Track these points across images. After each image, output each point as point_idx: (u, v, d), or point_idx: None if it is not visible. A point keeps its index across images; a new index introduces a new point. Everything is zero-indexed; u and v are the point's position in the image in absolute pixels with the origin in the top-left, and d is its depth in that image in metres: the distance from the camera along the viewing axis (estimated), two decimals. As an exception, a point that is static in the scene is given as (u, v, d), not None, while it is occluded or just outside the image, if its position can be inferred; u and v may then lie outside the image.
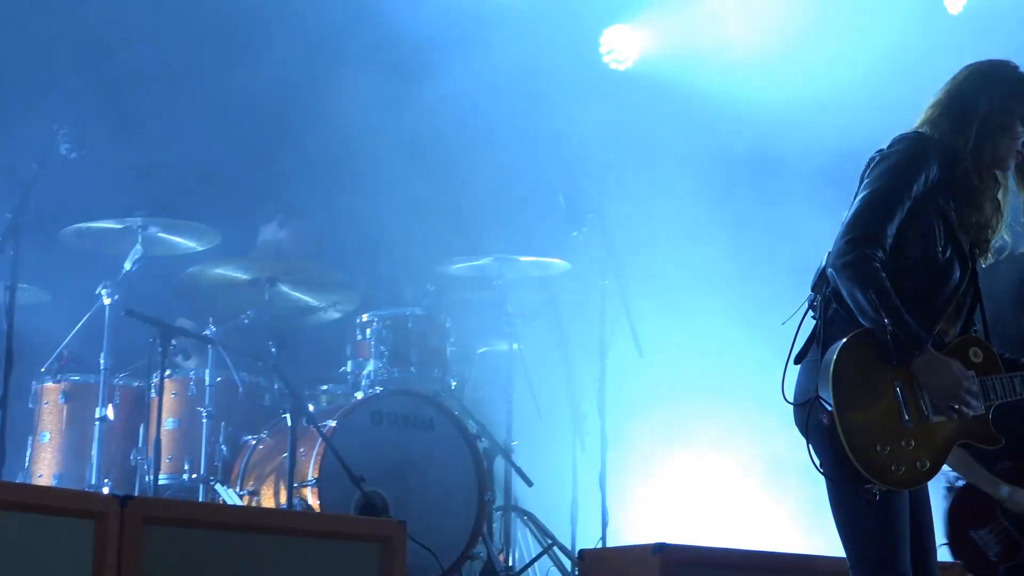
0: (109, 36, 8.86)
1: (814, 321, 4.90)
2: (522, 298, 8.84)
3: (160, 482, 7.40)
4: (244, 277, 8.24)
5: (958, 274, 4.86)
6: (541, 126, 9.48)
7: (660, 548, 6.45)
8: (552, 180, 9.14)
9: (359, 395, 7.95)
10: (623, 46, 10.42)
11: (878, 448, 4.59)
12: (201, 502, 7.52)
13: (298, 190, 9.11)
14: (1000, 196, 4.98)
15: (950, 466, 7.00)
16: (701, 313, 9.59)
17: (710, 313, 9.57)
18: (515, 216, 9.30)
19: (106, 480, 7.56)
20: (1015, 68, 5.01)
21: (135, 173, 8.60)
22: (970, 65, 5.06)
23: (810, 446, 4.75)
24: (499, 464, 8.36)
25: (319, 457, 7.38)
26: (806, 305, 4.93)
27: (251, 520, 5.98)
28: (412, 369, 8.15)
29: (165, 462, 7.61)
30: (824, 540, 8.82)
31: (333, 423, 7.50)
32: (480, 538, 7.79)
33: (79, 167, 7.60)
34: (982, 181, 4.91)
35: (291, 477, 7.26)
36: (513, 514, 8.39)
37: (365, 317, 8.26)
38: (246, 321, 8.15)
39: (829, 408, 4.59)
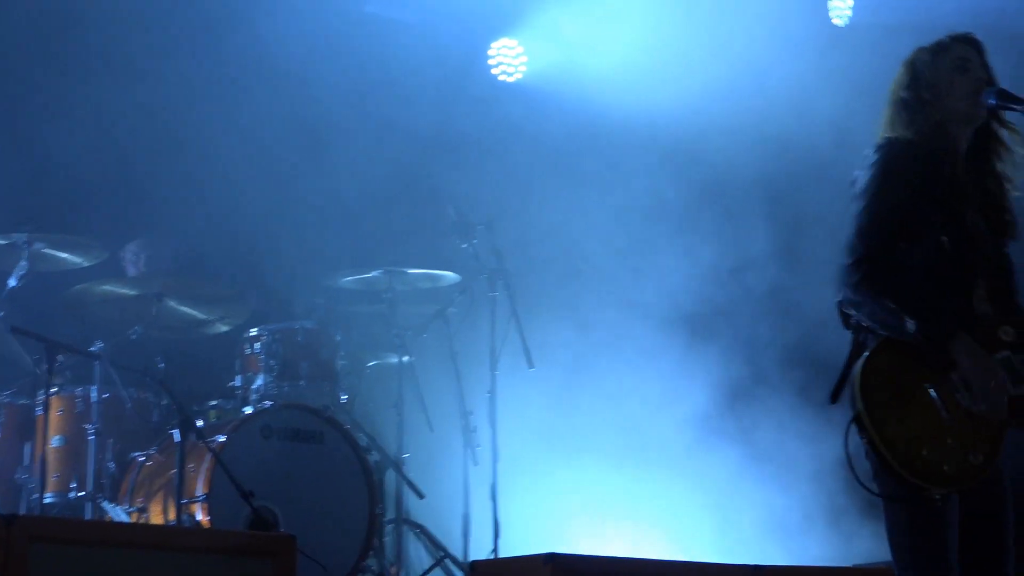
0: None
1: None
2: (411, 310, 8.85)
3: (46, 500, 7.29)
4: (131, 293, 8.17)
5: (972, 255, 4.87)
6: (430, 138, 9.47)
7: (551, 558, 6.44)
8: (441, 192, 9.14)
9: (248, 410, 7.90)
10: (511, 59, 10.44)
11: (924, 453, 4.57)
12: (88, 520, 7.45)
13: (185, 204, 9.02)
14: (998, 166, 5.02)
15: None
16: (591, 322, 9.64)
17: (601, 322, 9.62)
18: (404, 228, 9.30)
19: (-10, 499, 7.47)
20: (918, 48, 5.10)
21: (20, 188, 8.49)
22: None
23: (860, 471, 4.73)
24: (390, 477, 8.35)
25: (208, 472, 7.34)
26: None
27: (139, 537, 5.91)
28: (302, 383, 8.12)
29: (51, 480, 7.53)
30: (719, 546, 9.00)
31: (222, 438, 7.46)
32: (371, 552, 7.77)
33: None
34: (958, 157, 4.94)
35: (179, 493, 7.20)
36: (405, 527, 8.38)
37: (254, 331, 8.22)
38: (133, 337, 8.07)
39: (864, 426, 4.58)
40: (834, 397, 4.85)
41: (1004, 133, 5.07)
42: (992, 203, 5.00)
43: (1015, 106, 4.96)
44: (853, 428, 4.68)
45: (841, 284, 4.78)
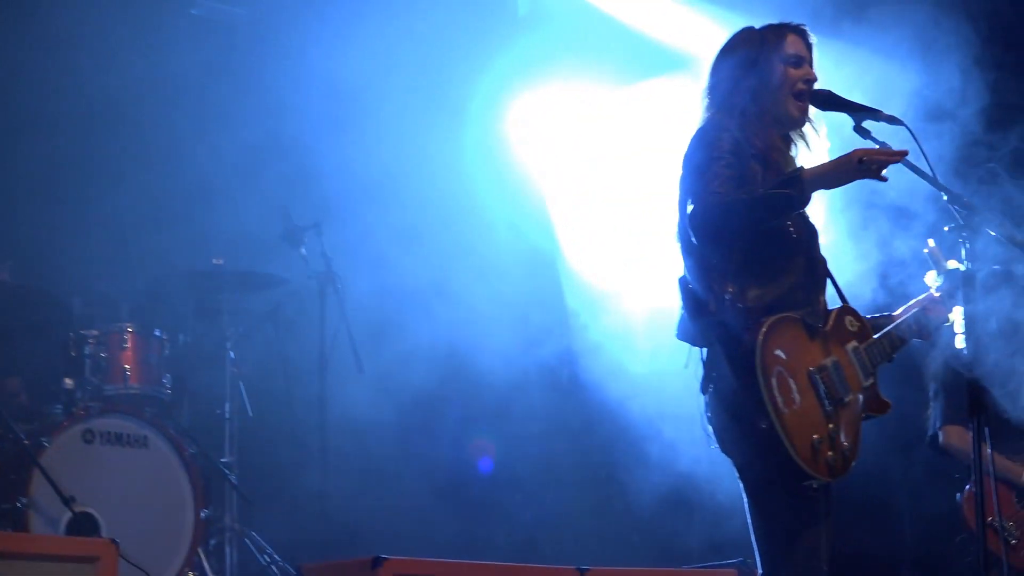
0: None
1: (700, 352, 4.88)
2: (241, 313, 8.76)
3: None
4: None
5: (816, 249, 4.94)
6: (260, 139, 9.35)
7: (379, 561, 6.46)
8: (270, 195, 9.04)
9: (71, 413, 7.75)
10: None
11: (814, 439, 4.61)
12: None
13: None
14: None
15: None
16: (424, 326, 9.61)
17: (429, 324, 9.59)
18: (233, 229, 9.17)
19: None
20: (747, 29, 5.07)
21: None
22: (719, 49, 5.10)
23: (737, 459, 4.78)
24: (217, 482, 8.26)
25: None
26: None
27: (-44, 545, 5.81)
28: (127, 386, 7.99)
29: None
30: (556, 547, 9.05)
31: (44, 443, 7.31)
32: (197, 557, 7.68)
33: None
34: (773, 159, 4.92)
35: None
36: (231, 532, 8.29)
37: (78, 333, 8.06)
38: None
39: (766, 411, 4.57)
40: (705, 387, 4.86)
41: (808, 133, 5.08)
42: None
43: (839, 110, 5.00)
44: (711, 412, 4.78)
45: (695, 232, 4.71)
